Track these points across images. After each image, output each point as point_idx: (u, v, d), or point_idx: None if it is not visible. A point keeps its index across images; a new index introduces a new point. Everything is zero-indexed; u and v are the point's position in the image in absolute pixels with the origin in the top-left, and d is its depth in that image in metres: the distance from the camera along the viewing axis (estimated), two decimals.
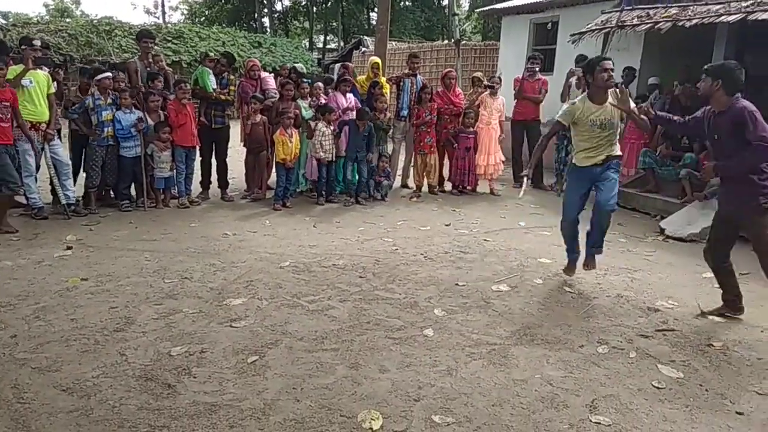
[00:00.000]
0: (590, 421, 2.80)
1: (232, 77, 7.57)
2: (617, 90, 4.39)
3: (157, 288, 4.36)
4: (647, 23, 7.67)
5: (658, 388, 3.12)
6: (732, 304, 4.11)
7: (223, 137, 7.53)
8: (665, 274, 5.09)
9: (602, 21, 8.52)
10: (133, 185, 6.91)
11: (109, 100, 6.56)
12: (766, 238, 3.75)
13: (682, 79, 8.28)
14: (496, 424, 2.77)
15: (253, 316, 3.91)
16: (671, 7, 7.64)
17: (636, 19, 7.89)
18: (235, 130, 7.87)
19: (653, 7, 7.88)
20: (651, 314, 4.15)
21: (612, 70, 4.31)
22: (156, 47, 9.02)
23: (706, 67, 3.90)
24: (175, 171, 6.99)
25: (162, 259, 5.02)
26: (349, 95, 7.87)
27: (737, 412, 2.91)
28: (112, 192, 7.03)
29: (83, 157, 6.64)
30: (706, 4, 7.23)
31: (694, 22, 7.07)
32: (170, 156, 6.91)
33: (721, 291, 4.16)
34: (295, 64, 8.98)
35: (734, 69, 3.77)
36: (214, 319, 3.85)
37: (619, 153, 4.57)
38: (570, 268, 4.86)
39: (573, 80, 8.64)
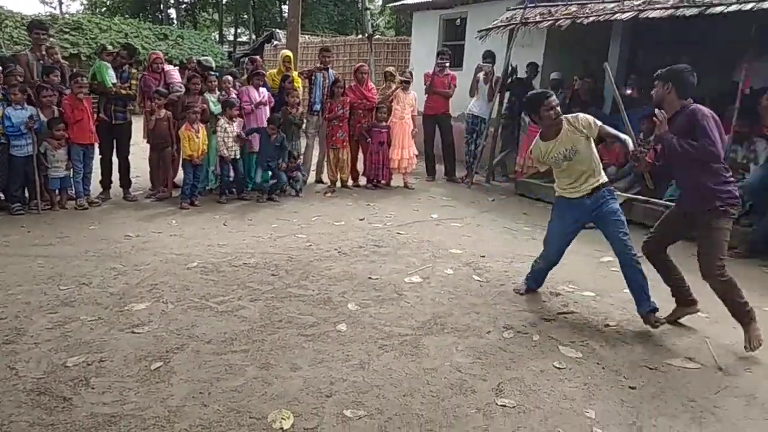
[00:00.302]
0: (496, 404, 2.90)
1: (133, 71, 7.22)
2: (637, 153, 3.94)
3: (52, 295, 4.09)
4: (549, 20, 7.99)
5: (559, 368, 3.28)
6: (683, 301, 3.95)
7: (125, 134, 7.16)
8: (566, 260, 5.28)
9: (507, 18, 8.80)
10: (25, 186, 6.43)
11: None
12: (713, 239, 3.57)
13: (582, 74, 8.71)
14: (407, 413, 2.81)
15: (158, 321, 3.75)
16: (571, 4, 8.00)
17: (538, 16, 8.21)
18: (138, 126, 7.50)
19: (554, 5, 8.23)
20: (553, 298, 4.35)
21: (557, 105, 3.96)
22: (52, 39, 8.46)
23: (657, 72, 3.78)
24: (71, 170, 6.58)
25: (57, 265, 4.71)
26: (263, 89, 7.71)
27: (630, 387, 3.11)
28: (1, 194, 6.52)
29: None
30: (603, 2, 7.63)
31: (591, 19, 7.44)
32: (66, 154, 6.50)
33: (671, 290, 4.00)
34: (200, 57, 8.65)
35: (684, 72, 3.65)
36: (114, 325, 3.66)
37: (605, 180, 4.10)
38: (528, 290, 4.41)
39: (481, 75, 8.90)
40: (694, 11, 6.30)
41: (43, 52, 6.79)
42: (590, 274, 4.97)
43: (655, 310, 3.83)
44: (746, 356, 3.50)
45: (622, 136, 4.01)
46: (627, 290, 4.49)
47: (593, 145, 4.02)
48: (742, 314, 3.57)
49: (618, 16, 7.21)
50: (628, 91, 8.23)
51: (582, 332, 3.76)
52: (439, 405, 2.89)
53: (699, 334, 3.79)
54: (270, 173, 7.37)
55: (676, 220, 3.90)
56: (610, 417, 2.82)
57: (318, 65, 8.44)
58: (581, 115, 4.03)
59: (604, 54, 8.82)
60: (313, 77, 8.25)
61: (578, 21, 7.59)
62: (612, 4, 7.46)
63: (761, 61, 7.04)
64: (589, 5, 7.76)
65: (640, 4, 7.09)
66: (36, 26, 6.82)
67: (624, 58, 8.82)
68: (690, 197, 3.75)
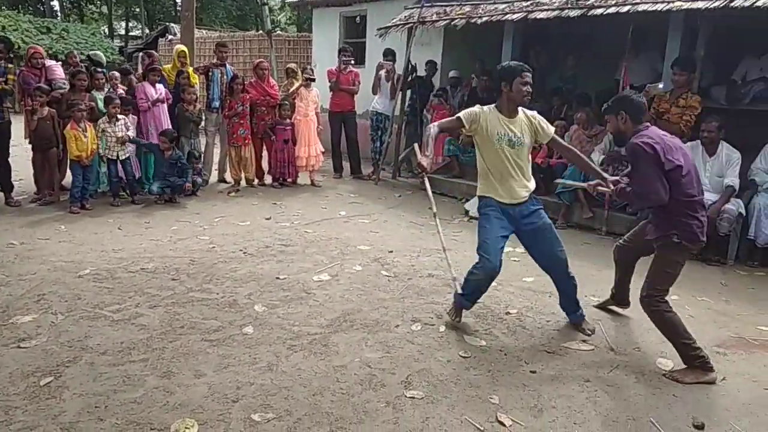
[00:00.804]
0: (405, 396, 2.94)
1: (10, 65, 6.67)
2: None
3: None
4: (444, 19, 8.21)
5: (464, 357, 3.38)
6: (620, 298, 4.11)
7: (4, 134, 6.59)
8: (470, 251, 5.44)
9: (405, 16, 8.94)
10: None
11: None
12: (656, 267, 3.37)
13: (478, 72, 9.02)
14: (317, 412, 2.79)
15: (46, 334, 3.49)
16: (465, 5, 8.26)
17: (435, 16, 8.41)
18: (18, 126, 6.94)
19: (449, 5, 8.46)
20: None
21: (531, 84, 3.60)
22: None
23: (604, 107, 3.67)
24: None
25: None
26: (159, 85, 7.36)
27: (531, 371, 3.26)
28: None
29: None
30: (494, 3, 7.94)
31: (485, 19, 7.71)
32: None
33: (614, 285, 4.11)
34: (90, 52, 8.15)
35: (632, 97, 3.49)
36: None
37: (534, 187, 3.83)
38: (458, 312, 3.85)
39: (382, 73, 8.99)
40: (577, 12, 6.70)
41: None
42: None
43: (584, 316, 3.84)
44: (636, 337, 3.77)
45: (587, 162, 3.97)
46: (527, 278, 4.76)
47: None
48: (687, 357, 3.26)
49: (509, 16, 7.53)
50: None
51: (485, 321, 3.90)
52: (348, 401, 2.89)
53: (591, 318, 4.03)
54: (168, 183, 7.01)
55: (641, 236, 3.72)
56: (513, 401, 2.95)
57: (214, 61, 8.18)
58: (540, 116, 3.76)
59: (499, 53, 9.19)
60: (210, 73, 7.99)
61: (472, 21, 7.85)
62: (503, 5, 7.78)
63: (638, 60, 7.61)
64: (483, 6, 8.05)
65: (528, 5, 7.45)
66: None
67: (516, 57, 9.19)
68: (651, 218, 3.54)
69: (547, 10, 7.08)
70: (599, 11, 6.49)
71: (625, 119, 3.40)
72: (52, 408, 2.74)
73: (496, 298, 4.31)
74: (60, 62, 7.85)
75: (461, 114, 3.65)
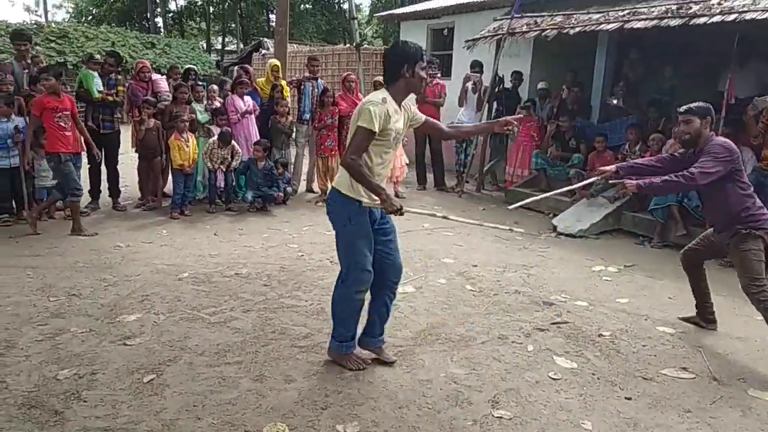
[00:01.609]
0: (493, 416, 2.89)
1: (120, 77, 7.18)
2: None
3: (42, 307, 4.03)
4: (535, 30, 8.07)
5: (554, 379, 3.28)
6: (703, 314, 4.09)
7: (113, 143, 7.11)
8: (558, 269, 5.37)
9: (494, 28, 8.87)
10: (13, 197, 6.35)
11: None
12: (741, 261, 3.65)
13: (569, 83, 8.80)
14: (403, 426, 2.79)
15: (150, 333, 3.70)
16: (557, 15, 8.09)
17: (525, 27, 8.29)
18: (126, 136, 7.45)
19: (540, 15, 8.31)
20: (546, 308, 4.36)
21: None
22: (38, 47, 8.43)
23: (687, 107, 3.81)
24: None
25: (47, 276, 4.65)
26: (247, 98, 7.69)
27: (626, 398, 3.12)
28: None
29: None
30: (588, 13, 7.72)
31: (577, 29, 7.52)
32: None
33: (695, 299, 4.14)
34: (190, 66, 8.63)
35: (712, 107, 3.84)
36: (105, 337, 3.61)
37: None
38: (355, 361, 3.35)
39: (469, 85, 8.95)
40: (678, 22, 6.40)
41: (29, 61, 6.76)
42: (582, 283, 4.99)
43: (384, 342, 3.44)
44: (740, 366, 3.53)
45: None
46: (621, 299, 4.57)
47: None
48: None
49: (603, 26, 7.30)
50: (614, 101, 8.32)
51: (576, 342, 3.78)
52: (435, 417, 2.88)
53: (692, 344, 3.81)
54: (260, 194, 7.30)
55: (711, 240, 3.95)
56: (607, 428, 2.83)
57: (306, 74, 8.44)
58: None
59: (591, 64, 8.92)
60: (302, 86, 8.25)
61: (564, 31, 7.67)
62: (597, 15, 7.55)
63: (744, 71, 7.17)
64: (575, 16, 7.85)
65: (624, 15, 7.18)
66: (17, 37, 6.85)
67: (610, 68, 8.92)
68: (715, 224, 3.91)
69: (645, 19, 6.82)
70: (702, 20, 6.18)
71: (707, 126, 3.75)
72: (154, 404, 2.91)
73: (588, 319, 4.16)
74: (164, 75, 8.31)
75: (366, 124, 2.94)
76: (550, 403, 3.02)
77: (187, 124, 6.90)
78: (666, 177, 3.70)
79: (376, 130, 2.95)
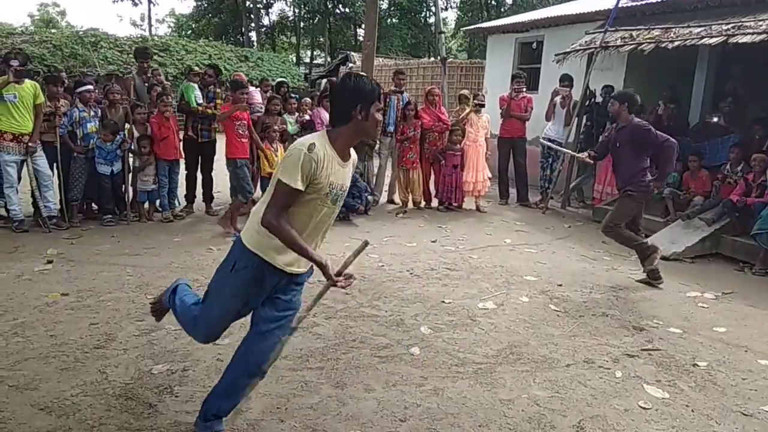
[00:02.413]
0: None
1: (218, 90, 7.55)
2: None
3: (140, 304, 4.28)
4: (630, 44, 7.79)
5: (644, 408, 3.12)
6: (645, 255, 5.30)
7: (210, 151, 7.49)
8: (650, 293, 5.12)
9: (586, 41, 8.64)
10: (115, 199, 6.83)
11: (92, 113, 6.52)
12: (619, 208, 5.40)
13: (667, 99, 8.41)
14: None
15: (237, 334, 3.82)
16: (654, 28, 7.78)
17: (619, 40, 8.02)
18: (221, 144, 7.81)
19: (636, 29, 8.02)
20: (636, 333, 4.16)
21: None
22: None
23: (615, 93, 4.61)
24: (158, 185, 6.92)
25: (144, 275, 4.94)
26: None
27: None
28: (94, 205, 6.95)
29: (61, 169, 6.45)
30: (688, 26, 7.37)
31: (677, 44, 7.19)
32: (153, 169, 6.85)
33: (637, 254, 5.41)
34: (282, 79, 8.97)
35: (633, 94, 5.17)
36: None
37: None
38: None
39: (558, 99, 8.75)
40: None
41: (149, 75, 7.42)
42: (676, 309, 4.73)
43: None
44: None
45: None
46: (718, 328, 4.30)
47: None
48: (641, 250, 5.32)
49: (705, 41, 6.94)
50: (715, 119, 7.88)
51: (669, 371, 3.58)
52: None
53: None
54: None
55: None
56: None
57: (392, 88, 8.55)
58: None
59: (689, 79, 8.51)
60: (388, 100, 8.36)
61: (662, 45, 7.36)
62: (698, 29, 7.19)
63: None
64: (674, 29, 7.51)
65: (728, 29, 6.79)
66: (140, 55, 7.56)
67: (710, 84, 8.46)
68: (618, 181, 5.59)
69: (751, 33, 6.42)
70: None
71: (626, 109, 5.40)
72: (241, 404, 3.00)
73: (682, 347, 3.93)
74: (259, 88, 8.68)
75: (287, 178, 2.37)
76: None
77: (278, 134, 7.15)
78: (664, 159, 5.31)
79: (299, 187, 2.37)
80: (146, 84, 7.25)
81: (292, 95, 8.00)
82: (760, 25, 6.47)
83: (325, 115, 7.76)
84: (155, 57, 18.01)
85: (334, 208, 2.62)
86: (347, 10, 31.43)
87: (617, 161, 5.50)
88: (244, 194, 6.52)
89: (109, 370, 3.29)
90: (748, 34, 6.47)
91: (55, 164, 6.37)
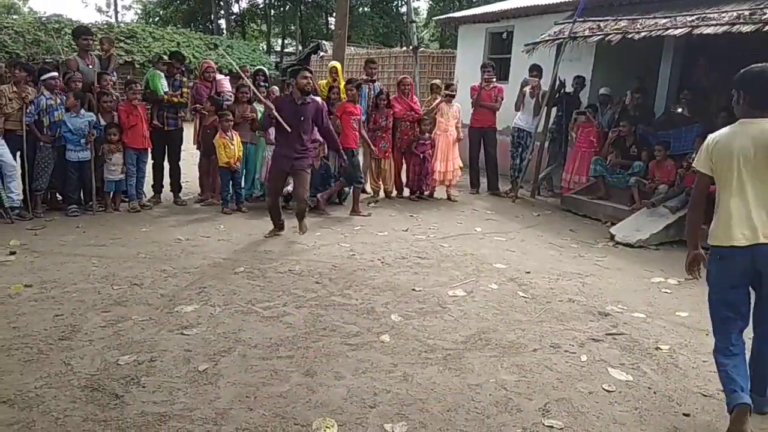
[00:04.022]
0: (543, 424, 2.84)
1: (184, 79, 7.43)
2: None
3: (105, 295, 4.22)
4: (598, 35, 7.89)
5: (608, 391, 3.19)
6: (277, 224, 6.05)
7: (176, 140, 7.37)
8: (615, 279, 5.23)
9: (555, 32, 8.72)
10: (81, 188, 6.68)
11: (59, 100, 6.35)
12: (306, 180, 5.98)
13: (633, 89, 8.54)
14: (451, 429, 2.78)
15: (206, 324, 3.82)
16: (621, 19, 7.88)
17: (587, 31, 8.11)
18: (188, 133, 7.70)
19: (604, 20, 8.11)
20: (601, 318, 4.25)
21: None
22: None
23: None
24: (125, 174, 6.79)
25: (110, 265, 4.86)
26: (315, 98, 7.79)
27: (684, 414, 3.01)
28: (59, 195, 6.79)
29: (26, 158, 6.28)
30: (654, 17, 7.49)
31: (643, 35, 7.30)
32: (121, 158, 6.72)
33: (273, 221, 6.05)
34: (262, 67, 8.85)
35: None
36: (164, 326, 3.74)
37: None
38: None
39: (527, 89, 8.82)
40: (751, 27, 6.12)
41: (95, 54, 7.11)
42: (640, 294, 4.84)
43: None
44: None
45: None
46: (681, 313, 4.41)
47: None
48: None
49: (670, 32, 7.06)
50: (679, 110, 8.04)
51: (632, 354, 3.66)
52: (483, 422, 2.85)
53: None
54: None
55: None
56: None
57: (364, 77, 8.51)
58: None
59: (655, 70, 8.65)
60: (359, 89, 8.32)
61: (629, 36, 7.47)
62: (664, 20, 7.31)
63: None
64: (641, 20, 7.63)
65: (693, 20, 6.92)
66: (82, 32, 7.13)
67: (675, 74, 8.62)
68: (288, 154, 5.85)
69: (715, 24, 6.55)
70: None
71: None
72: (209, 393, 2.99)
73: (645, 332, 4.03)
74: (227, 75, 8.54)
75: None
76: (603, 416, 2.95)
77: (232, 123, 7.00)
78: None
79: None
80: (90, 66, 6.93)
81: (262, 84, 7.89)
82: (723, 17, 6.60)
83: None
84: (121, 44, 17.64)
85: None
86: None
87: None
88: (358, 180, 7.31)
89: (74, 361, 3.24)
90: (712, 25, 6.60)
91: (18, 153, 6.19)
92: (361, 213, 7.25)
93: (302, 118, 5.75)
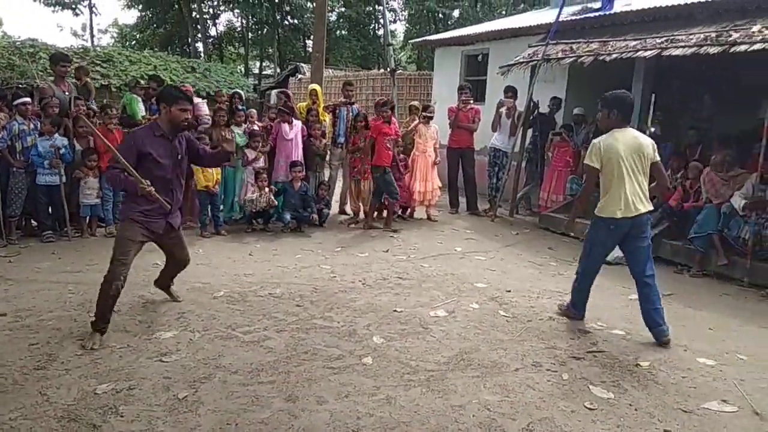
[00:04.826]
0: None
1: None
2: None
3: (82, 322, 4.13)
4: (570, 57, 8.06)
5: (590, 409, 3.21)
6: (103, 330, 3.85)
7: None
8: (594, 296, 5.23)
9: (529, 54, 8.89)
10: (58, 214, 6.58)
11: (32, 126, 6.28)
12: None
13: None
14: None
15: (185, 350, 3.76)
16: (593, 41, 8.07)
17: (560, 53, 8.29)
18: None
19: (576, 42, 8.31)
20: (582, 336, 4.28)
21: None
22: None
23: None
24: (101, 198, 6.71)
25: (87, 292, 4.77)
26: (297, 122, 7.83)
27: (665, 430, 3.03)
28: (33, 221, 6.68)
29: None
30: (625, 39, 7.69)
31: (614, 56, 7.48)
32: (98, 183, 6.65)
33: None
34: (238, 90, 8.87)
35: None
36: (142, 353, 3.68)
37: None
38: None
39: (503, 110, 8.97)
40: (717, 49, 6.32)
41: (71, 81, 7.02)
42: (619, 311, 4.90)
43: None
44: None
45: None
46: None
47: None
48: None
49: (641, 53, 7.25)
50: (652, 129, 8.23)
51: (613, 372, 3.69)
52: None
53: (733, 376, 3.70)
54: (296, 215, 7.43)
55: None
56: None
57: (342, 99, 8.57)
58: None
59: (628, 88, 8.84)
60: (337, 111, 8.38)
61: (600, 58, 7.65)
62: (634, 42, 7.51)
63: None
64: (611, 42, 7.82)
65: (662, 42, 7.13)
66: (60, 58, 7.03)
67: (647, 95, 8.83)
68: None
69: (683, 46, 6.76)
70: (742, 48, 6.09)
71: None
72: (189, 421, 2.94)
73: (625, 348, 4.07)
74: (206, 100, 8.55)
75: None
76: None
77: (208, 146, 6.99)
78: None
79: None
80: (66, 93, 6.89)
81: (240, 107, 7.89)
82: (691, 39, 6.80)
83: (285, 128, 7.69)
84: (98, 68, 17.52)
85: None
86: (296, 21, 31.32)
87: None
88: (393, 196, 7.67)
89: (51, 391, 3.17)
90: (680, 47, 6.79)
91: None
92: (392, 228, 7.72)
93: (179, 157, 4.16)
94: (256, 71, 33.59)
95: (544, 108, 9.21)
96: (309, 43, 31.02)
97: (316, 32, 12.40)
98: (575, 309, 4.61)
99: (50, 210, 6.57)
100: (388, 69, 14.83)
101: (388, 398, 3.24)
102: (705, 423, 3.13)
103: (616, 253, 6.49)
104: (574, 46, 8.22)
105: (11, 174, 6.16)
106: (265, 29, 32.18)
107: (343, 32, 31.50)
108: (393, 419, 3.03)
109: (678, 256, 6.56)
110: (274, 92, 16.45)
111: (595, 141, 4.32)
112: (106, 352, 3.67)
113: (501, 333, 4.29)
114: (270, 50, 33.10)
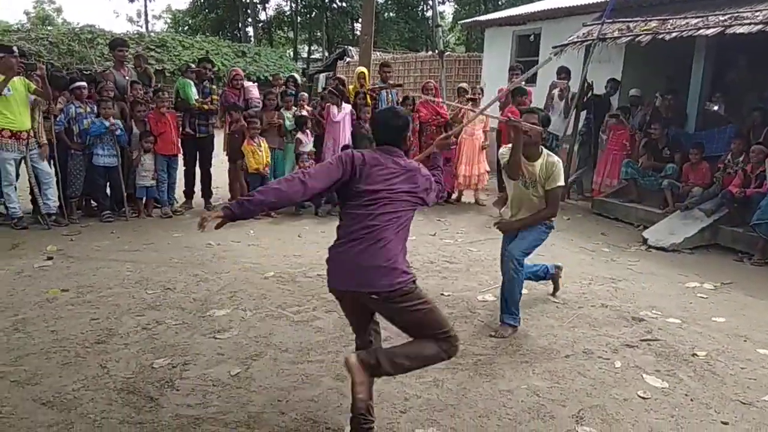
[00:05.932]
0: (577, 431, 2.80)
1: (213, 87, 7.54)
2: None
3: (139, 299, 4.29)
4: (627, 36, 7.78)
5: (643, 398, 3.13)
6: None
7: (207, 146, 7.48)
8: (648, 283, 5.13)
9: (584, 33, 8.62)
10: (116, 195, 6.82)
11: (88, 109, 6.50)
12: None
13: (664, 90, 8.40)
14: None
15: (237, 328, 3.86)
16: (651, 20, 7.76)
17: (617, 32, 8.00)
18: (219, 140, 7.81)
19: (633, 20, 8.00)
20: (635, 324, 4.17)
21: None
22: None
23: None
24: (156, 180, 6.92)
25: (144, 270, 4.95)
26: (346, 106, 7.85)
27: (722, 422, 2.93)
28: (93, 202, 6.95)
29: (58, 166, 6.42)
30: (685, 17, 7.36)
31: (674, 35, 7.18)
32: (153, 165, 6.85)
33: None
34: (294, 74, 8.95)
35: None
36: (197, 330, 3.80)
37: None
38: None
39: (555, 92, 8.73)
40: None
41: (130, 66, 7.25)
42: (675, 299, 4.74)
43: None
44: None
45: None
46: (717, 318, 4.31)
47: None
48: None
49: (702, 31, 6.93)
50: (715, 107, 7.87)
51: (668, 361, 3.59)
52: (516, 429, 2.82)
53: None
54: None
55: None
56: None
57: (379, 82, 8.52)
58: None
59: (687, 70, 8.49)
60: (377, 94, 8.34)
61: (659, 37, 7.35)
62: (695, 20, 7.18)
63: None
64: (671, 20, 7.50)
65: (725, 20, 6.78)
66: (119, 44, 7.29)
67: (708, 75, 8.45)
68: None
69: (749, 23, 6.41)
70: None
71: None
72: (242, 397, 3.02)
73: (681, 338, 3.94)
74: (256, 83, 8.65)
75: None
76: (638, 423, 2.89)
77: (259, 129, 7.10)
78: None
79: None
80: (126, 78, 7.10)
81: (290, 91, 7.95)
82: (757, 16, 6.46)
83: (334, 111, 7.71)
84: (152, 53, 18.00)
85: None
86: (344, 4, 31.30)
87: None
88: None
89: (110, 364, 3.30)
90: (745, 24, 6.46)
91: (51, 161, 6.36)
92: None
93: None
94: (305, 55, 33.81)
95: (599, 89, 8.92)
96: (357, 26, 30.94)
97: (364, 15, 12.34)
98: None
99: (108, 191, 6.82)
100: (437, 51, 14.69)
101: (436, 381, 3.25)
102: (765, 416, 3.00)
103: (672, 239, 6.33)
104: (631, 25, 7.92)
105: (69, 156, 6.41)
106: (314, 13, 32.33)
107: (391, 14, 31.31)
108: (441, 401, 3.04)
109: (738, 243, 6.29)
110: (322, 76, 16.54)
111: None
112: (162, 329, 3.80)
113: (551, 319, 4.23)
114: (318, 34, 33.27)
